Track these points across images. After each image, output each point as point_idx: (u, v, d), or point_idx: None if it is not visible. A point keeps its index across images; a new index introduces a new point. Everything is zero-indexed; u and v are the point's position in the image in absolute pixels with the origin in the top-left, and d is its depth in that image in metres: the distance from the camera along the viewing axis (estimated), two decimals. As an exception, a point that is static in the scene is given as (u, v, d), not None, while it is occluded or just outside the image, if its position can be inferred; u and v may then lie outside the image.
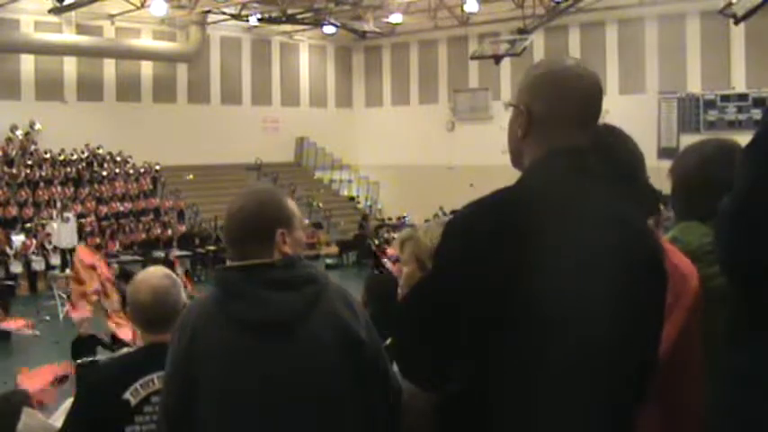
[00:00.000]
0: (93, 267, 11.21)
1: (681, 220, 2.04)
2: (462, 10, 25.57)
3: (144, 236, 21.58)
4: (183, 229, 23.06)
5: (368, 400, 2.01)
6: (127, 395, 2.36)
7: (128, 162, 25.07)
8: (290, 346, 1.94)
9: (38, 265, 19.22)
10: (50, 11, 22.59)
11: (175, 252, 20.72)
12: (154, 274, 2.57)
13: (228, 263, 2.10)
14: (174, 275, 2.60)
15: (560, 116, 1.64)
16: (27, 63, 23.92)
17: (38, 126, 23.72)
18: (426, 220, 21.99)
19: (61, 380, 7.65)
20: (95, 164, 24.45)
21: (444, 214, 23.40)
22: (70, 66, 24.75)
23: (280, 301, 1.94)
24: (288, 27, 27.52)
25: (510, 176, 1.75)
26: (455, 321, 1.53)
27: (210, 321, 1.96)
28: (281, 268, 1.98)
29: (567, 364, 1.49)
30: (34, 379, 7.91)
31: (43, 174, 23.12)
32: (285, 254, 2.02)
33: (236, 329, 1.93)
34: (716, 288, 1.72)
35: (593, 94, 1.67)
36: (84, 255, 11.98)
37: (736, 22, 16.18)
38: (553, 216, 1.54)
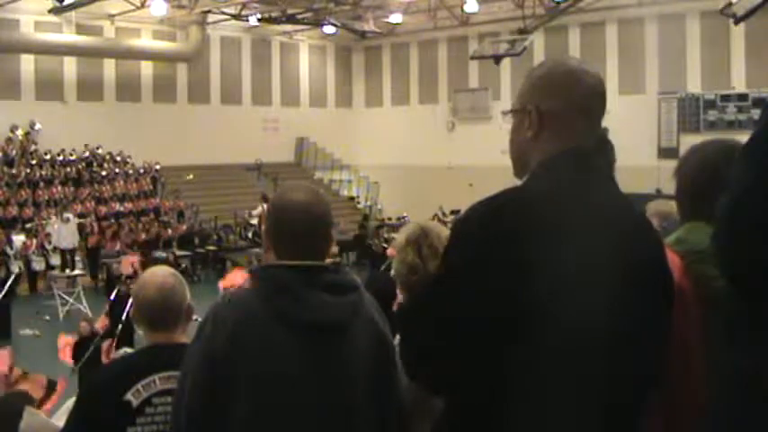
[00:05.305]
0: None
1: (686, 220, 2.05)
2: (462, 10, 25.58)
3: (144, 236, 21.57)
4: (183, 228, 23.05)
5: (392, 400, 2.05)
6: (128, 396, 2.35)
7: (128, 162, 25.06)
8: (341, 348, 1.95)
9: (38, 265, 19.20)
10: (50, 11, 22.59)
11: (175, 252, 20.75)
12: (160, 273, 2.57)
13: (267, 260, 2.04)
14: (179, 275, 2.59)
15: (572, 110, 1.64)
16: (27, 63, 23.90)
17: (38, 126, 23.72)
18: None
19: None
20: (95, 164, 24.44)
21: (444, 214, 23.42)
22: (70, 66, 24.73)
23: (334, 305, 1.95)
24: (288, 27, 27.51)
25: (510, 176, 1.76)
26: (464, 323, 1.53)
27: (255, 320, 1.91)
28: (333, 272, 2.00)
29: (572, 363, 1.50)
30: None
31: (43, 174, 23.11)
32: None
33: (288, 329, 1.90)
34: (723, 289, 1.72)
35: (600, 91, 1.68)
36: None
37: (736, 22, 16.18)
38: (566, 217, 1.53)
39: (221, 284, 10.44)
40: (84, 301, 16.32)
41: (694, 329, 1.80)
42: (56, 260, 18.88)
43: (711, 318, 1.76)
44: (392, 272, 2.44)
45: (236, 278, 9.41)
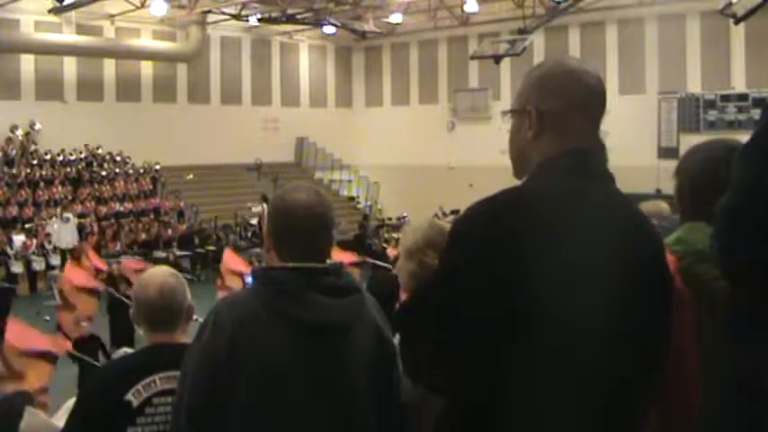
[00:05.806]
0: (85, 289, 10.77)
1: (686, 220, 2.05)
2: (462, 10, 25.58)
3: (144, 236, 21.58)
4: (183, 228, 23.06)
5: (392, 400, 2.06)
6: (129, 396, 2.35)
7: (128, 162, 25.06)
8: (341, 348, 1.96)
9: (38, 265, 19.22)
10: (50, 11, 22.58)
11: (175, 252, 20.76)
12: (160, 273, 2.57)
13: (271, 262, 2.04)
14: (179, 275, 2.59)
15: (572, 111, 1.64)
16: (27, 63, 23.90)
17: (38, 126, 23.72)
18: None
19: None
20: (95, 164, 24.44)
21: (444, 214, 23.39)
22: (70, 66, 24.73)
23: (335, 307, 1.95)
24: (288, 27, 27.50)
25: (510, 176, 1.76)
26: (463, 322, 1.53)
27: (256, 321, 1.91)
28: (333, 275, 2.00)
29: (571, 363, 1.50)
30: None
31: (43, 174, 23.11)
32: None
33: (289, 330, 1.91)
34: (723, 289, 1.72)
35: (600, 91, 1.68)
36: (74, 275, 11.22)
37: (736, 22, 16.17)
38: (565, 218, 1.53)
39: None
40: (84, 301, 16.30)
41: (688, 329, 1.80)
42: (56, 260, 18.89)
43: (709, 318, 1.76)
44: (396, 271, 2.41)
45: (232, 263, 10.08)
